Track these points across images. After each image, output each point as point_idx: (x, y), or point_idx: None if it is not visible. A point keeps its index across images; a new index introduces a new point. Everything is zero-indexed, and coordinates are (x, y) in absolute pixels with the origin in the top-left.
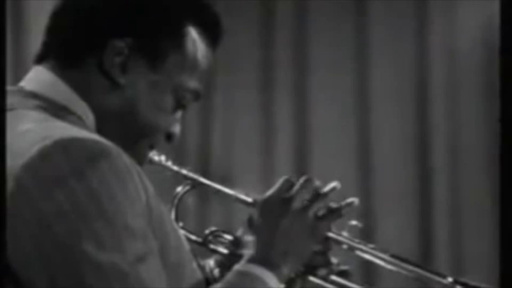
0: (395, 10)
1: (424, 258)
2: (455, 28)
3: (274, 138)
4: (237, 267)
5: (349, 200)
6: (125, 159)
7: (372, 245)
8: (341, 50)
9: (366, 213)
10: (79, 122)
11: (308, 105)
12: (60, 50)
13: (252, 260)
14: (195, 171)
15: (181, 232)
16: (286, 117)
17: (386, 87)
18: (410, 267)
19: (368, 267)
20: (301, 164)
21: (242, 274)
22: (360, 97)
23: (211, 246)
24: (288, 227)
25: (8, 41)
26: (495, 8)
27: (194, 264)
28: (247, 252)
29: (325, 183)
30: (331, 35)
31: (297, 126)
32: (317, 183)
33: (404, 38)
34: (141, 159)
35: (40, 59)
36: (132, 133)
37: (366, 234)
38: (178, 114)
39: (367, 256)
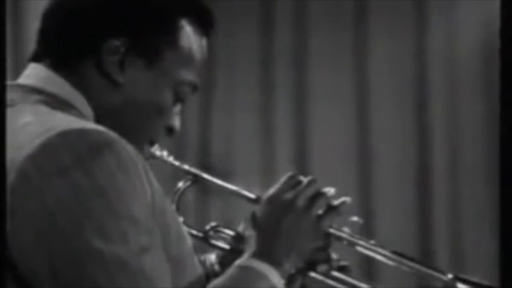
0: (395, 10)
1: (424, 256)
2: (454, 27)
3: (274, 135)
4: (239, 262)
5: (342, 198)
6: (130, 150)
7: (372, 241)
8: (341, 49)
9: (366, 210)
10: (80, 116)
11: (308, 103)
12: (56, 52)
13: (255, 255)
14: (196, 167)
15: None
16: (286, 114)
17: (386, 86)
18: (411, 264)
19: (368, 263)
20: (301, 160)
21: (244, 269)
22: (359, 96)
23: (212, 241)
24: (291, 224)
25: (8, 41)
26: (495, 7)
27: (195, 259)
28: (250, 247)
29: (325, 179)
30: (331, 35)
31: (297, 123)
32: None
33: (404, 38)
34: (142, 155)
35: (35, 59)
36: (132, 130)
37: (366, 232)
38: (178, 108)
39: (367, 252)
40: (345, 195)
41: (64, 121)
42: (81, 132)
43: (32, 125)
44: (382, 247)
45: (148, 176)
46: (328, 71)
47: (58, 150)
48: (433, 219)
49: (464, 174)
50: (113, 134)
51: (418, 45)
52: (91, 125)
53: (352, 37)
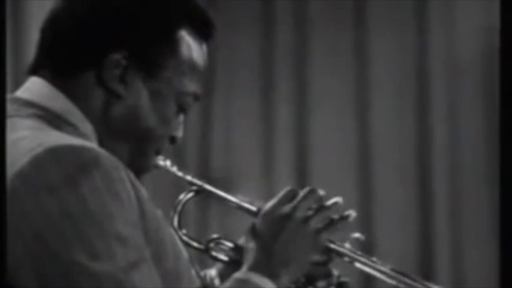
0: (396, 11)
1: (425, 272)
2: (455, 27)
3: (274, 143)
4: (237, 274)
5: (346, 212)
6: (118, 167)
7: (373, 258)
8: (341, 54)
9: (367, 217)
10: (75, 131)
11: (308, 110)
12: (56, 65)
13: (252, 268)
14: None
15: (184, 238)
16: (287, 122)
17: (387, 89)
18: (411, 282)
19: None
20: (302, 168)
21: (241, 282)
22: (360, 100)
23: (213, 253)
24: (289, 237)
25: (8, 42)
26: (495, 7)
27: (193, 272)
28: (248, 260)
29: (326, 188)
30: (331, 37)
31: (298, 131)
32: (321, 192)
33: (405, 39)
34: (147, 165)
35: (34, 70)
36: (137, 142)
37: (367, 237)
38: (181, 118)
39: (368, 269)
40: (346, 202)
41: (53, 137)
42: (69, 149)
43: (23, 140)
44: (383, 264)
45: (137, 192)
46: (329, 75)
47: (45, 167)
48: (435, 233)
49: (465, 175)
50: (101, 151)
51: (419, 46)
52: (80, 141)
53: (352, 39)
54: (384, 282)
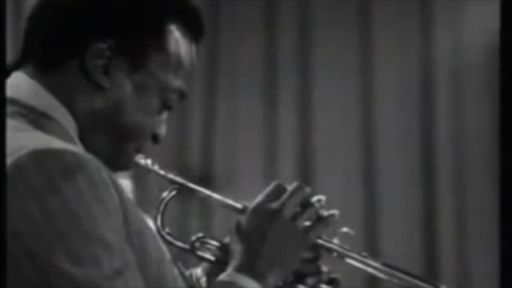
0: (400, 13)
1: (430, 272)
2: (460, 28)
3: (278, 144)
4: (222, 276)
5: (332, 211)
6: (101, 171)
7: (363, 253)
8: (345, 54)
9: (371, 221)
10: (59, 128)
11: (312, 111)
12: (40, 55)
13: (238, 269)
14: (198, 178)
15: (167, 238)
16: (289, 123)
17: (391, 92)
18: (403, 276)
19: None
20: (305, 170)
21: (227, 283)
22: (364, 102)
23: (198, 253)
24: (276, 235)
25: (8, 41)
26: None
27: (176, 273)
28: (234, 260)
29: (330, 189)
30: (336, 40)
31: (301, 132)
32: (308, 190)
33: (409, 42)
34: (128, 163)
35: (19, 64)
36: (118, 136)
37: (371, 239)
38: (164, 115)
39: (358, 264)
40: (350, 203)
41: (36, 139)
42: (52, 153)
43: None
44: (374, 259)
45: (121, 196)
46: (333, 76)
47: (28, 170)
48: (438, 221)
49: (469, 176)
50: (85, 155)
51: (424, 46)
52: (63, 144)
53: (356, 40)
54: (389, 282)
